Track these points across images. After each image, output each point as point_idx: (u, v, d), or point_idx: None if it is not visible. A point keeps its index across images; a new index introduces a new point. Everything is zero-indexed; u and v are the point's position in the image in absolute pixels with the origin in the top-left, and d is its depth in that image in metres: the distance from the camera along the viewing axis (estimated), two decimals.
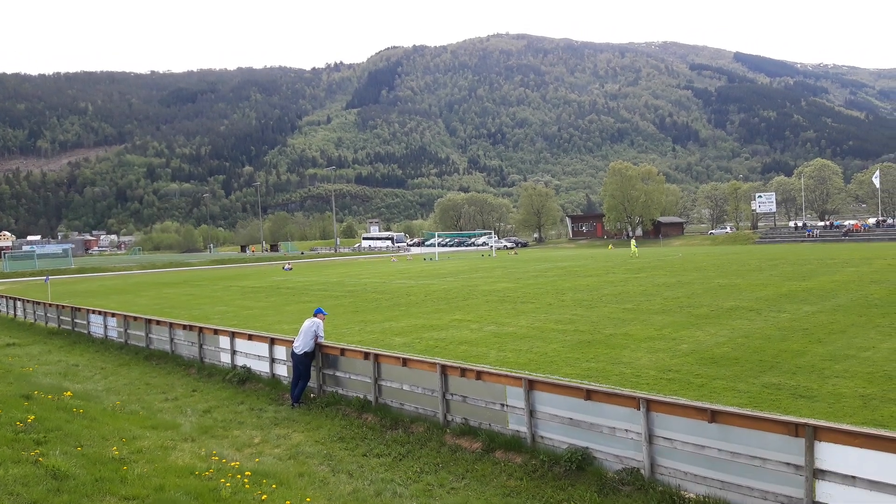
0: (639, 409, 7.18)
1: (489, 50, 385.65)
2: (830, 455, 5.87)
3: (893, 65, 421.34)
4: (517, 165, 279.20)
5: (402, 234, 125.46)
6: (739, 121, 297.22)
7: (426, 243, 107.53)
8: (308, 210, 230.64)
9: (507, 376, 8.90)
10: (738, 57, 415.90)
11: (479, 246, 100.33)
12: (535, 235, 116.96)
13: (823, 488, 5.90)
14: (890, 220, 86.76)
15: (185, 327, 15.78)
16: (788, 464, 6.10)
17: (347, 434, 9.42)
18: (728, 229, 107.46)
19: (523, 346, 14.59)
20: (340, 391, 11.23)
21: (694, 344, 13.80)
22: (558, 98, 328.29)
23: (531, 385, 8.40)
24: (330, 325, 17.59)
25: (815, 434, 5.95)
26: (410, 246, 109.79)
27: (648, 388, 10.32)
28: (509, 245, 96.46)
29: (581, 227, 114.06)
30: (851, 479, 5.75)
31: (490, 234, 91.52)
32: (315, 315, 11.78)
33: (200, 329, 15.09)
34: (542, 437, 8.20)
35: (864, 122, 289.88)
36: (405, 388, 10.08)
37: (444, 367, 9.53)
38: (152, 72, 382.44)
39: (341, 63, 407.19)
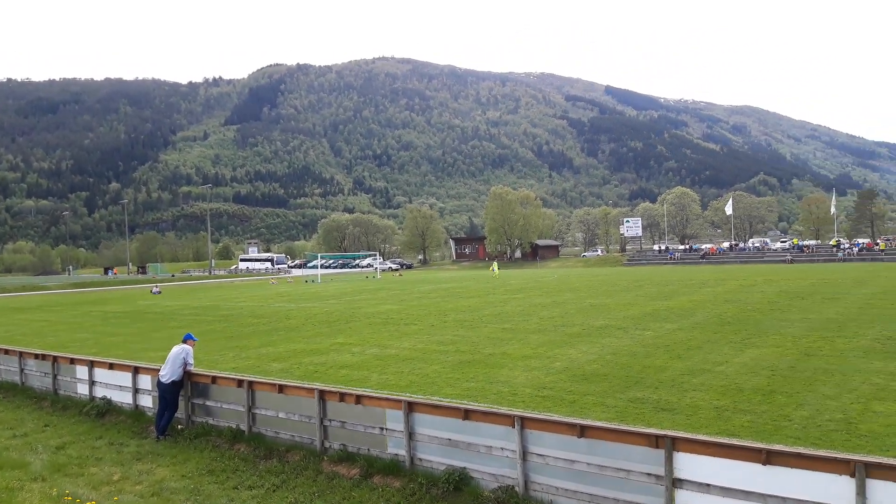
0: (514, 427, 7.34)
1: (375, 72, 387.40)
2: (688, 465, 6.26)
3: (744, 102, 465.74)
4: (403, 187, 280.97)
5: (284, 255, 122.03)
6: (610, 150, 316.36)
7: (308, 265, 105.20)
8: (181, 230, 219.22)
9: (387, 399, 8.82)
10: (609, 90, 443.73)
11: (363, 268, 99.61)
12: (420, 257, 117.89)
13: (682, 497, 6.27)
14: (741, 245, 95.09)
15: (37, 356, 14.41)
16: (650, 474, 6.44)
17: (217, 466, 8.94)
18: (599, 252, 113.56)
19: (405, 368, 14.56)
20: (211, 421, 10.66)
21: (567, 361, 14.36)
22: (443, 123, 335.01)
23: (411, 407, 8.38)
24: (201, 351, 16.73)
25: (673, 445, 6.33)
26: (292, 268, 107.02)
27: (524, 406, 10.59)
28: (394, 267, 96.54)
29: (464, 249, 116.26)
30: (706, 487, 6.15)
31: (375, 255, 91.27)
32: (184, 341, 11.14)
33: (55, 358, 13.83)
34: (420, 460, 8.17)
35: (719, 153, 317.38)
36: (281, 415, 9.74)
37: (322, 393, 9.31)
38: (9, 79, 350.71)
39: (220, 78, 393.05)
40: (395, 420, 8.48)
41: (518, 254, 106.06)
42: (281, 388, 9.80)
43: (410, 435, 8.26)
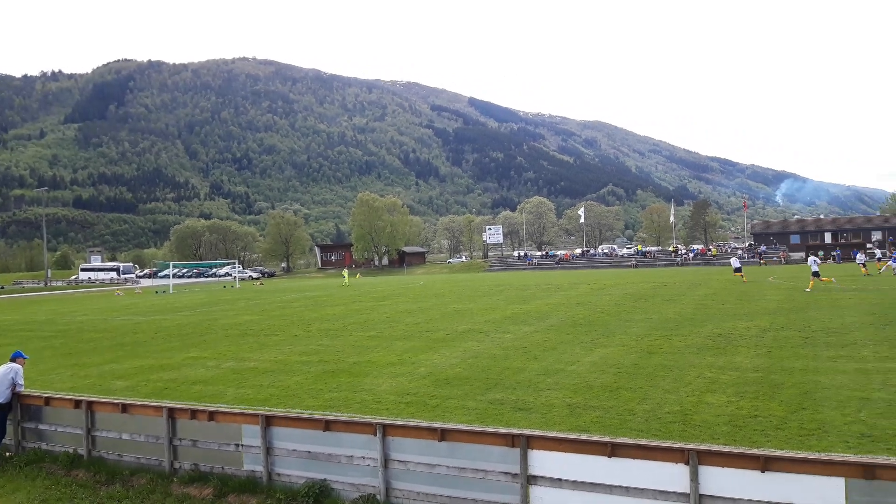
0: (375, 435, 7.31)
1: (235, 73, 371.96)
2: (541, 461, 6.53)
3: (595, 118, 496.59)
4: (265, 193, 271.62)
5: (131, 264, 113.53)
6: (473, 160, 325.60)
7: (159, 274, 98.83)
8: (12, 237, 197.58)
9: (242, 414, 8.46)
10: (472, 102, 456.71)
11: (221, 276, 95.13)
12: (283, 265, 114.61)
13: (536, 493, 6.53)
14: (592, 251, 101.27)
15: None
16: (507, 473, 6.65)
17: (52, 495, 8.14)
18: (464, 258, 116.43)
19: (265, 380, 14.05)
20: (45, 446, 9.70)
21: (431, 367, 14.53)
22: (307, 127, 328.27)
23: (268, 421, 8.10)
24: (33, 370, 15.18)
25: (528, 443, 6.58)
26: (140, 277, 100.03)
27: (388, 413, 10.58)
28: (255, 275, 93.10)
29: (330, 257, 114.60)
30: (558, 482, 6.44)
31: (234, 263, 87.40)
32: (13, 360, 10.06)
33: None
34: (279, 475, 7.91)
35: (572, 165, 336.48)
36: (125, 437, 9.05)
37: (171, 411, 8.75)
38: None
39: (60, 72, 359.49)
40: (251, 435, 8.15)
41: (385, 261, 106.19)
42: (125, 408, 9.13)
43: (268, 450, 7.98)
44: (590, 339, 17.66)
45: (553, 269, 79.56)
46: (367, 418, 8.02)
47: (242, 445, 8.21)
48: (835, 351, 14.13)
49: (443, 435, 6.97)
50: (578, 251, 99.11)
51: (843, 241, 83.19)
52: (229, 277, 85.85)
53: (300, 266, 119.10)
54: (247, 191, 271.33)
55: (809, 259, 33.49)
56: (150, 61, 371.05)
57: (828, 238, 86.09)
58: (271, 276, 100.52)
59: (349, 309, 30.41)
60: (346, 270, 65.48)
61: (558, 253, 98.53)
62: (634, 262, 79.85)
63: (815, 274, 31.01)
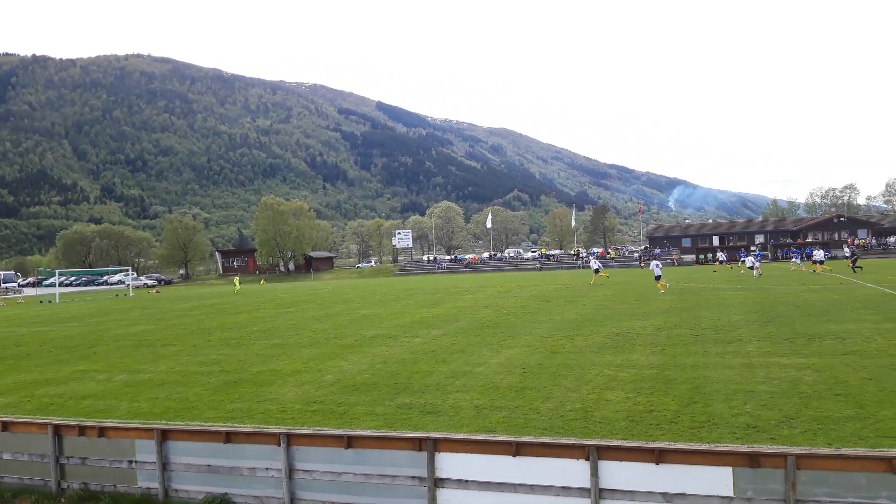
0: (279, 445, 7.11)
1: (128, 70, 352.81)
2: (448, 464, 6.56)
3: (501, 125, 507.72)
4: (161, 196, 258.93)
5: (13, 272, 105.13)
6: (382, 164, 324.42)
7: (44, 283, 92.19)
8: None
9: (136, 429, 8.02)
10: (380, 106, 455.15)
11: (113, 285, 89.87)
12: (182, 272, 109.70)
13: (443, 495, 6.55)
14: (499, 254, 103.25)
15: None
16: (414, 477, 6.63)
17: None
18: (373, 263, 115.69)
19: (161, 393, 13.37)
20: None
21: (338, 374, 14.31)
22: (208, 128, 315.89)
23: (164, 435, 7.71)
24: None
25: (435, 446, 6.59)
26: (23, 286, 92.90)
27: (293, 423, 10.33)
28: (150, 283, 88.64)
29: (232, 263, 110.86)
30: (465, 483, 6.49)
31: (127, 271, 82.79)
32: None
33: None
34: (176, 491, 7.55)
35: (480, 171, 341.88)
36: (6, 456, 8.39)
37: (57, 428, 8.18)
38: None
39: None
40: (145, 451, 7.74)
41: (291, 266, 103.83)
42: (6, 426, 8.46)
43: (164, 465, 7.60)
44: (496, 340, 17.96)
45: (462, 273, 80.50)
46: (271, 428, 7.79)
47: (136, 462, 7.78)
48: (723, 347, 15.04)
49: (349, 442, 6.87)
50: (486, 255, 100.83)
51: (730, 243, 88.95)
52: (122, 285, 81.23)
53: (200, 273, 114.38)
54: (142, 194, 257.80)
55: (652, 263, 35.38)
56: (34, 56, 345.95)
57: (716, 241, 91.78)
58: (168, 283, 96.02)
59: (252, 317, 29.50)
60: (237, 278, 63.69)
61: (467, 257, 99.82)
62: (539, 266, 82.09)
63: (658, 278, 33.20)
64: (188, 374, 15.30)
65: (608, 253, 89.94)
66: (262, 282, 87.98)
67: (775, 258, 76.08)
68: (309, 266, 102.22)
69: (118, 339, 23.38)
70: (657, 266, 34.05)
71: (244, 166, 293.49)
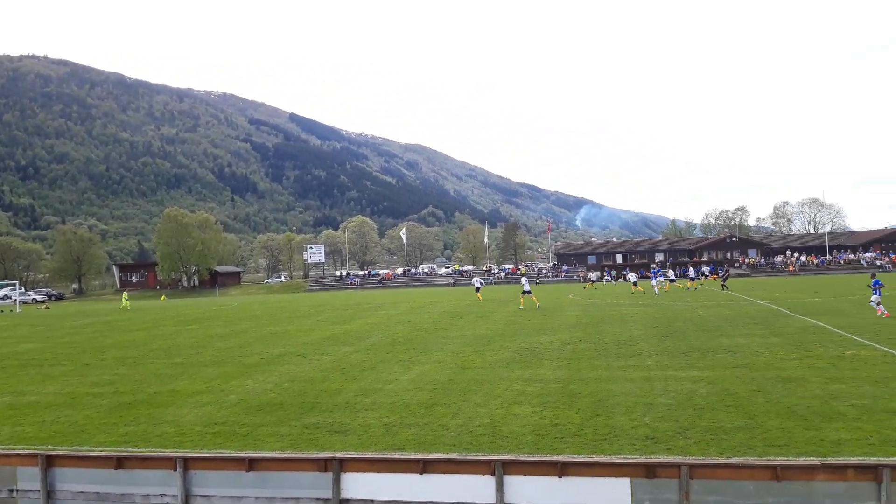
0: (176, 470, 6.76)
1: (21, 72, 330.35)
2: (354, 484, 6.44)
3: (416, 141, 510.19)
4: (54, 206, 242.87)
5: None
6: (294, 177, 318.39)
7: None
8: None
9: (18, 455, 7.42)
10: (293, 118, 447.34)
11: None
12: (75, 286, 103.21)
13: None
14: (413, 270, 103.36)
15: None
16: (318, 499, 6.46)
17: None
18: (283, 278, 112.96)
19: (48, 416, 12.46)
20: None
21: (242, 393, 13.81)
22: (108, 135, 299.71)
23: (49, 461, 7.17)
24: None
25: (341, 466, 6.46)
26: None
27: (192, 446, 9.87)
28: (39, 298, 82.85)
29: (131, 277, 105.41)
30: (371, 503, 6.39)
31: (14, 285, 77.02)
32: None
33: None
34: None
35: (395, 186, 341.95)
36: None
37: None
38: None
39: None
40: (28, 478, 7.16)
41: (195, 281, 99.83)
42: None
43: (49, 493, 7.06)
44: (408, 357, 17.90)
45: (375, 288, 79.95)
46: (167, 452, 7.39)
47: (18, 490, 7.20)
48: (624, 361, 15.63)
49: (251, 464, 6.62)
50: (400, 270, 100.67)
51: (633, 261, 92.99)
52: (8, 301, 75.47)
53: (95, 288, 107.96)
54: (32, 203, 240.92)
55: (523, 279, 37.49)
56: None
57: (619, 259, 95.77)
58: (60, 298, 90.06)
59: (151, 334, 28.08)
60: (125, 293, 60.81)
61: (381, 272, 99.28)
62: (452, 281, 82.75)
63: (527, 292, 34.53)
64: (78, 396, 14.34)
65: (518, 269, 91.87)
66: (162, 297, 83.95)
67: (674, 276, 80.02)
68: (214, 281, 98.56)
69: (2, 358, 21.65)
70: (526, 282, 36.16)
71: (146, 176, 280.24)
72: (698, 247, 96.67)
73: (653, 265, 68.87)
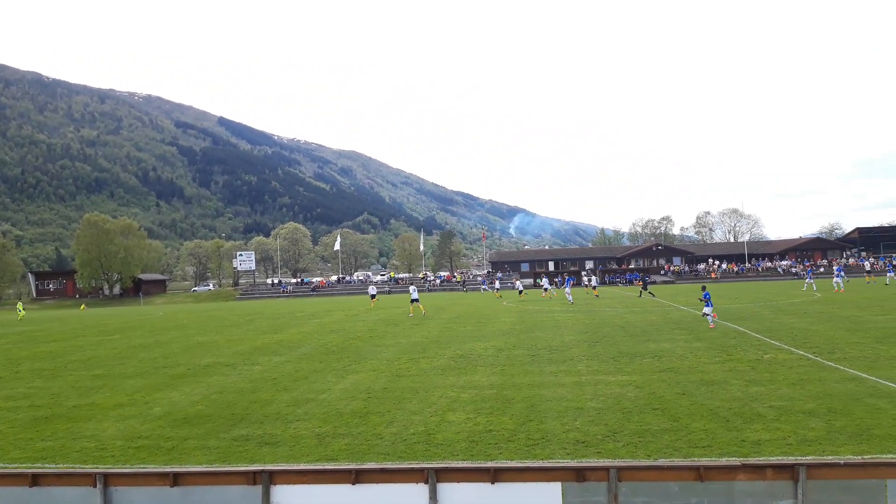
0: (95, 486, 6.44)
1: None
2: (285, 496, 6.29)
3: (351, 147, 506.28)
4: None
5: None
6: (223, 182, 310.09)
7: None
8: None
9: None
10: (222, 122, 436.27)
11: None
12: None
13: None
14: (348, 278, 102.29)
15: None
16: None
17: None
18: (211, 286, 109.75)
19: None
20: None
21: (168, 406, 13.31)
22: (23, 137, 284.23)
23: None
24: None
25: (270, 479, 6.30)
26: None
27: (113, 461, 9.43)
28: None
29: (48, 286, 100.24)
30: None
31: None
32: None
33: None
34: None
35: (329, 192, 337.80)
36: None
37: None
38: None
39: None
40: None
41: (117, 290, 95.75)
42: None
43: None
44: (342, 365, 17.69)
45: (309, 296, 78.68)
46: (87, 468, 7.04)
47: None
48: (556, 367, 15.92)
49: (175, 479, 6.38)
50: (334, 278, 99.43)
51: (567, 268, 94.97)
52: None
53: (10, 297, 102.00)
54: None
55: (411, 287, 38.91)
56: None
57: (552, 266, 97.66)
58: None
59: (70, 345, 26.73)
60: (20, 302, 58.01)
61: (314, 280, 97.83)
62: (388, 289, 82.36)
63: (415, 300, 35.70)
64: None
65: (454, 276, 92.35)
66: (82, 307, 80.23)
67: (603, 283, 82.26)
68: (138, 289, 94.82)
69: None
70: (414, 290, 37.43)
71: (65, 180, 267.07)
72: (626, 254, 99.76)
73: (564, 274, 70.17)
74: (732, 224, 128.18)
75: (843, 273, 47.47)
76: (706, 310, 23.63)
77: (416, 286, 42.27)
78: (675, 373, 14.47)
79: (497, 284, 60.65)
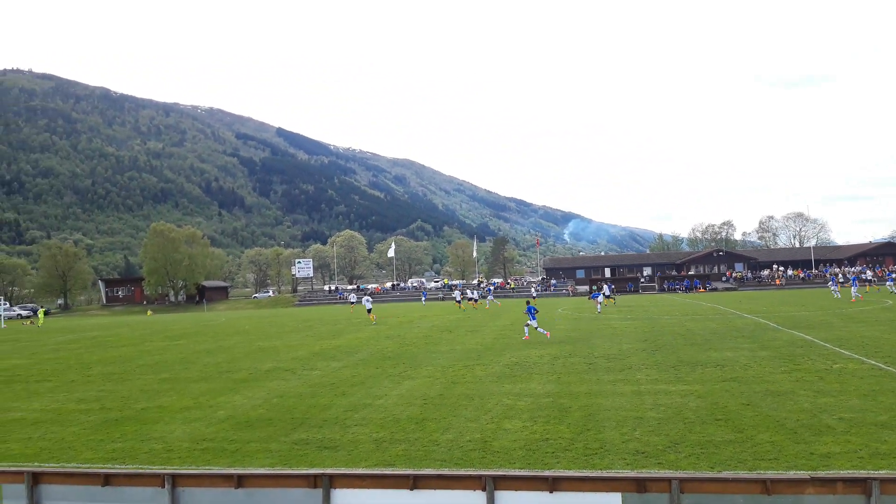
0: (164, 487, 6.69)
1: (6, 86, 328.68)
2: (343, 500, 6.39)
3: (404, 156, 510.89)
4: (39, 220, 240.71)
5: None
6: (282, 191, 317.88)
7: None
8: None
9: (3, 472, 7.32)
10: (281, 132, 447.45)
11: None
12: (60, 301, 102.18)
13: None
14: (402, 284, 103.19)
15: None
16: None
17: None
18: (271, 293, 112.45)
19: (34, 433, 12.29)
20: None
21: (231, 409, 13.70)
22: (93, 150, 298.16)
23: (35, 478, 7.07)
24: None
25: (330, 482, 6.41)
26: None
27: (180, 462, 9.77)
28: (24, 314, 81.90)
29: (117, 292, 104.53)
30: None
31: None
32: None
33: None
34: None
35: (383, 200, 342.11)
36: None
37: None
38: None
39: None
40: (14, 496, 7.06)
41: (182, 296, 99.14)
42: None
43: None
44: (398, 371, 17.85)
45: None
46: (155, 469, 7.32)
47: None
48: (614, 375, 15.66)
49: (239, 481, 6.56)
50: (389, 285, 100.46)
51: (621, 275, 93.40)
52: None
53: (81, 303, 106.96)
54: (17, 218, 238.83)
55: (364, 298, 41.87)
56: None
57: (608, 272, 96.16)
58: (47, 313, 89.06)
59: (138, 350, 27.83)
60: (42, 310, 60.80)
61: (369, 286, 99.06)
62: (441, 296, 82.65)
63: (368, 310, 38.23)
64: (64, 413, 14.16)
65: (508, 283, 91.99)
66: (148, 312, 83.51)
67: (662, 290, 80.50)
68: (201, 296, 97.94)
69: None
70: (367, 301, 39.63)
71: (133, 190, 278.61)
72: (685, 261, 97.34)
73: (594, 286, 68.46)
74: (797, 228, 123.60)
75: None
76: (531, 322, 24.60)
77: (371, 296, 44.84)
78: (739, 382, 14.04)
79: (456, 294, 57.56)
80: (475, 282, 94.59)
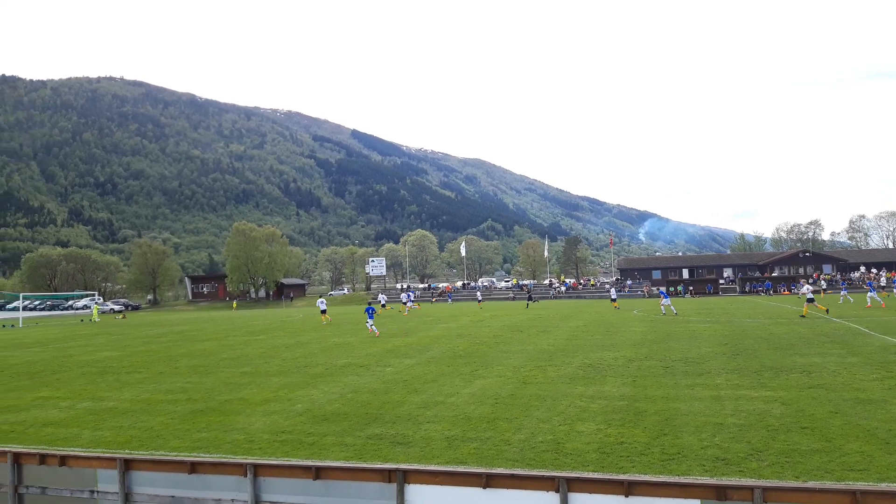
0: (246, 476, 6.97)
1: (100, 92, 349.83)
2: (417, 495, 6.49)
3: (475, 156, 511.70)
4: (131, 220, 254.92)
5: None
6: (357, 192, 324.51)
7: (7, 307, 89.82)
8: None
9: (98, 458, 7.80)
10: (355, 134, 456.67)
11: (78, 309, 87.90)
12: (150, 297, 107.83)
13: None
14: (473, 284, 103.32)
15: None
16: None
17: None
18: (346, 290, 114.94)
19: (125, 422, 13.04)
20: None
21: (308, 403, 14.11)
22: (180, 153, 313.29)
23: (127, 465, 7.51)
24: None
25: (405, 478, 6.52)
26: None
27: (261, 453, 10.15)
28: (117, 308, 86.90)
29: (202, 289, 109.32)
30: None
31: (94, 295, 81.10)
32: None
33: None
34: None
35: (454, 200, 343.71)
36: None
37: (17, 456, 7.91)
38: None
39: None
40: (108, 481, 7.52)
41: (262, 293, 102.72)
42: None
43: (127, 496, 7.39)
44: (469, 370, 17.90)
45: (434, 302, 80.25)
46: (238, 459, 7.64)
47: (98, 492, 7.56)
48: (692, 379, 15.18)
49: (317, 473, 6.77)
50: (460, 284, 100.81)
51: (700, 276, 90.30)
52: (87, 310, 79.47)
53: (169, 298, 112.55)
54: (110, 217, 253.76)
55: (319, 300, 43.15)
56: (3, 76, 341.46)
57: (685, 274, 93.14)
58: (136, 308, 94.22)
59: (221, 344, 29.04)
60: (96, 307, 63.32)
61: (440, 285, 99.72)
62: (512, 295, 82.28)
63: (323, 311, 40.02)
64: (153, 403, 14.95)
65: (580, 283, 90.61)
66: (234, 304, 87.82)
67: (743, 292, 77.38)
68: (280, 293, 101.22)
69: (82, 365, 22.81)
70: (322, 302, 41.94)
71: (216, 191, 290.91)
72: (769, 262, 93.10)
73: (661, 288, 66.07)
74: (891, 228, 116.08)
75: None
76: (368, 322, 28.97)
77: (324, 300, 44.70)
78: (827, 389, 13.34)
79: (404, 298, 56.42)
80: (546, 282, 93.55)
